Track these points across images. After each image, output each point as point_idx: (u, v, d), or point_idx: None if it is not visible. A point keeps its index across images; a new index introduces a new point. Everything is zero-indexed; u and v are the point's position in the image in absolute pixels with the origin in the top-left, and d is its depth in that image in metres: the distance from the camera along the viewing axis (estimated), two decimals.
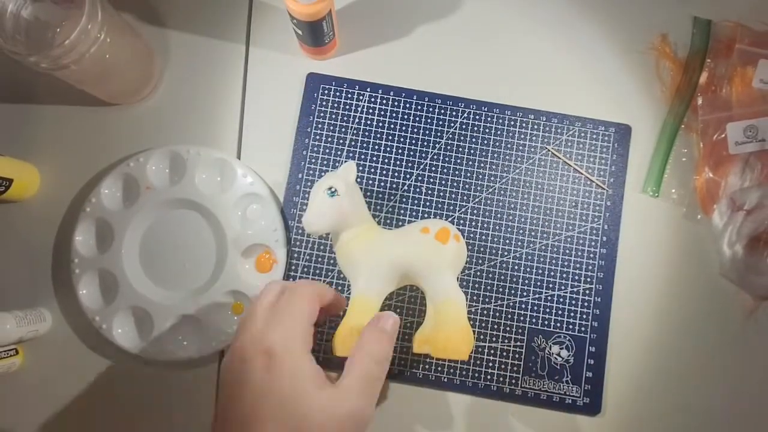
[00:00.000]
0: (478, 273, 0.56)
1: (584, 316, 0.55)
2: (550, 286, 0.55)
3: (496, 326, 0.55)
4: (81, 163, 0.57)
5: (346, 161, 0.57)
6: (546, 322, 0.55)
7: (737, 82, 0.57)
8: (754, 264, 0.54)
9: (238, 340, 0.41)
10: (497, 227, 0.56)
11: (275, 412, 0.38)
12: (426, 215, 0.56)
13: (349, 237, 0.49)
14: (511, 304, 0.55)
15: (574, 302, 0.55)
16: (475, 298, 0.55)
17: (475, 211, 0.57)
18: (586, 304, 0.55)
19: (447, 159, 0.57)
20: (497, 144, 0.58)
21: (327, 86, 0.58)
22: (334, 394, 0.39)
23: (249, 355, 0.39)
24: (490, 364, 0.55)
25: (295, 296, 0.42)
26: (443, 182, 0.57)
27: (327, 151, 0.57)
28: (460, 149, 0.57)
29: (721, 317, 0.56)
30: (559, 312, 0.55)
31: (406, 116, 0.58)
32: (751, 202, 0.55)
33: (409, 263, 0.49)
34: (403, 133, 0.58)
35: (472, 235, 0.56)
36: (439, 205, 0.57)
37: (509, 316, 0.55)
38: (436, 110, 0.58)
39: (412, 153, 0.58)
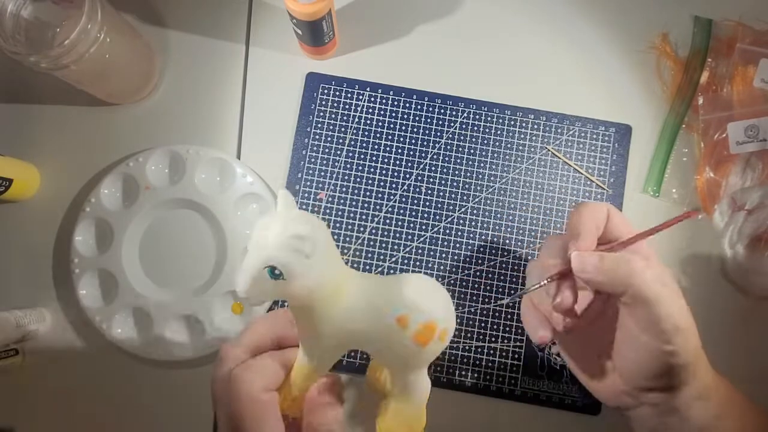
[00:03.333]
0: (478, 273, 0.56)
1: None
2: None
3: (496, 326, 0.55)
4: (81, 163, 0.57)
5: (345, 161, 0.57)
6: None
7: (738, 81, 0.57)
8: (756, 264, 0.54)
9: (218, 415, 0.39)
10: (497, 227, 0.56)
11: None
12: (426, 215, 0.56)
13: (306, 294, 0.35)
14: (511, 304, 0.55)
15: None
16: (474, 298, 0.55)
17: (475, 211, 0.57)
18: None
19: (447, 159, 0.57)
20: (497, 144, 0.58)
21: (327, 86, 0.58)
22: None
23: None
24: (490, 364, 0.54)
25: (240, 391, 0.36)
26: (443, 182, 0.57)
27: (327, 150, 0.57)
28: (460, 149, 0.57)
29: (722, 317, 0.55)
30: None
31: (406, 116, 0.58)
32: (753, 202, 0.54)
33: (372, 351, 0.39)
34: (403, 133, 0.58)
35: (471, 235, 0.56)
36: (439, 205, 0.57)
37: (509, 316, 0.55)
38: (436, 110, 0.58)
39: (412, 153, 0.57)
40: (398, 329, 0.35)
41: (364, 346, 0.38)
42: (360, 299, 0.36)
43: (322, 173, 0.57)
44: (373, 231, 0.56)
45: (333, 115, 0.58)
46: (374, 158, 0.57)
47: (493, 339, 0.55)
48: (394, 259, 0.56)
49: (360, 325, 0.35)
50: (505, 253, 0.56)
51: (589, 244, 0.40)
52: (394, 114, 0.58)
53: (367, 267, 0.56)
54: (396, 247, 0.56)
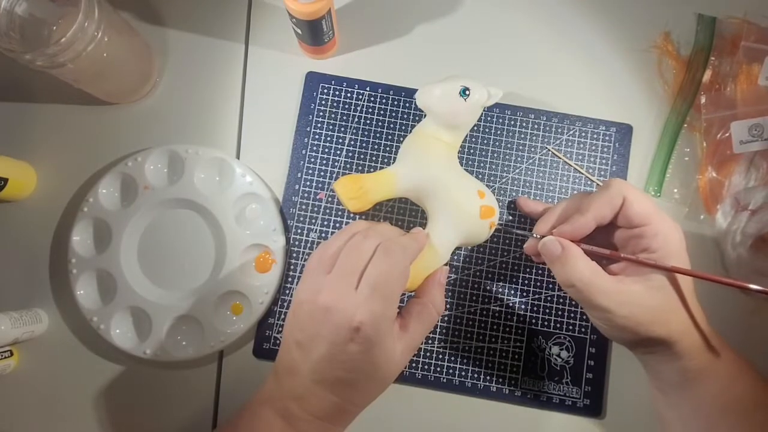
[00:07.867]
0: (478, 273, 0.55)
1: (584, 317, 0.54)
2: (550, 286, 0.55)
3: (496, 326, 0.55)
4: (78, 162, 0.57)
5: (345, 161, 0.57)
6: (546, 323, 0.54)
7: (742, 79, 0.56)
8: (759, 265, 0.54)
9: (327, 294, 0.42)
10: (498, 227, 0.56)
11: (359, 383, 0.43)
12: (426, 214, 0.56)
13: (433, 133, 0.53)
14: (511, 304, 0.55)
15: (574, 303, 0.55)
16: (474, 298, 0.55)
17: None
18: None
19: None
20: (497, 144, 0.57)
21: (326, 85, 0.58)
22: (407, 343, 0.44)
23: (336, 323, 0.41)
24: (490, 365, 0.54)
25: (391, 261, 0.43)
26: None
27: (326, 150, 0.57)
28: (460, 149, 0.57)
29: (723, 319, 0.55)
30: (559, 313, 0.55)
31: (406, 115, 0.58)
32: (756, 202, 0.54)
33: (439, 198, 0.51)
34: (403, 133, 0.57)
35: None
36: None
37: (509, 316, 0.55)
38: None
39: None
40: (476, 198, 0.51)
41: (436, 192, 0.51)
42: (457, 164, 0.54)
43: (322, 173, 0.57)
44: None
45: (333, 115, 0.58)
46: (374, 158, 0.57)
47: (493, 339, 0.54)
48: None
49: (448, 177, 0.52)
50: (505, 253, 0.55)
51: (583, 227, 0.44)
52: (393, 113, 0.58)
53: None
54: None
